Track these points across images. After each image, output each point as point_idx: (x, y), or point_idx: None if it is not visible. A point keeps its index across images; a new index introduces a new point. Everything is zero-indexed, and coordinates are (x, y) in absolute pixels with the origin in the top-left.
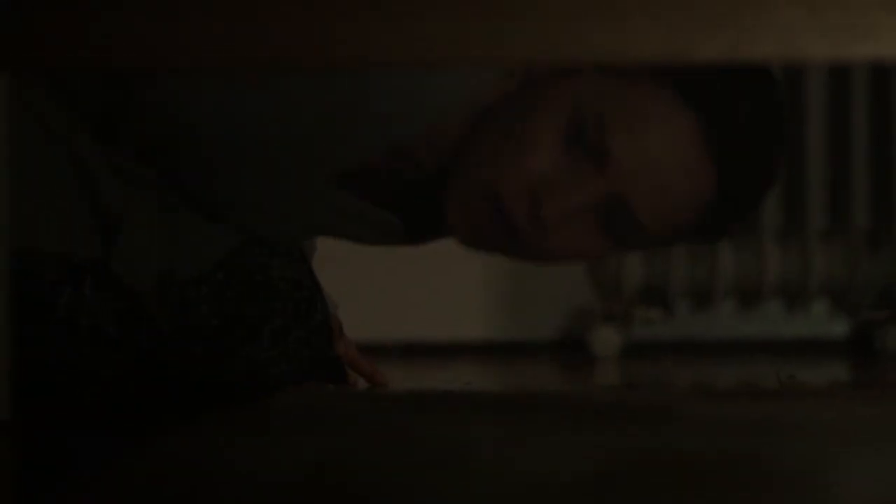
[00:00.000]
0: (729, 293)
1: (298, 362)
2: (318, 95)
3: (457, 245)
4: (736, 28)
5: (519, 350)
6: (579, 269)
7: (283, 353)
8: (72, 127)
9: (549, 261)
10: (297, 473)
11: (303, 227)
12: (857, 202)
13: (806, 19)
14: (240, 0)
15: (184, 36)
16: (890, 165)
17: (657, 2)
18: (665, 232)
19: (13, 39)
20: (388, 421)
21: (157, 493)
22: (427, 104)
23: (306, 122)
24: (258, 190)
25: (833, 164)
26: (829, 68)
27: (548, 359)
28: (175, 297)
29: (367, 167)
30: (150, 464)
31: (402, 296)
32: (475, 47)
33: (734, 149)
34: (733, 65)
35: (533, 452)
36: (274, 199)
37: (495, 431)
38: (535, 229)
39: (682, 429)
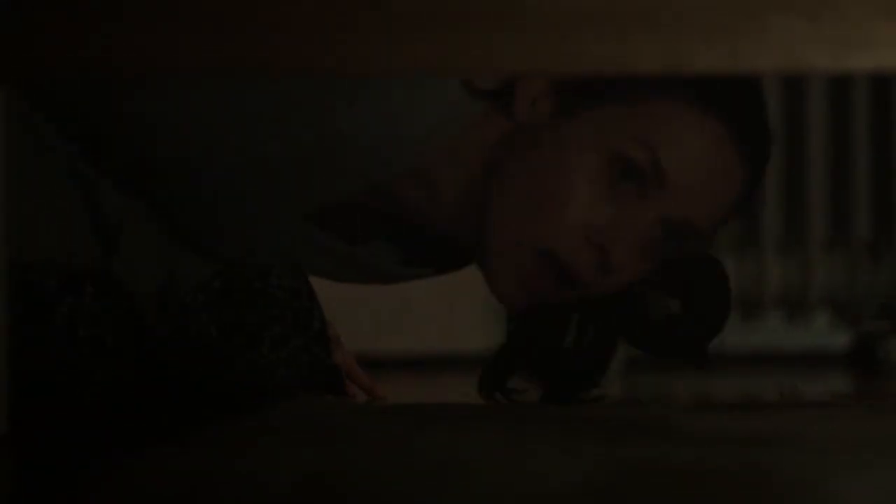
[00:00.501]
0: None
1: (297, 370)
2: (295, 132)
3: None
4: (735, 39)
5: None
6: None
7: (283, 360)
8: (67, 140)
9: (603, 292)
10: (294, 484)
11: (280, 263)
12: (857, 213)
13: (806, 30)
14: (238, 8)
15: (180, 43)
16: (891, 176)
17: (656, 12)
18: (713, 233)
19: (9, 51)
20: (386, 433)
21: (155, 502)
22: (406, 141)
23: (283, 158)
24: (235, 223)
25: (834, 175)
26: (830, 79)
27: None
28: (174, 305)
29: (345, 205)
30: (148, 473)
31: (400, 307)
32: (472, 58)
33: (755, 142)
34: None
35: (531, 465)
36: (251, 233)
37: (493, 444)
38: (603, 277)
39: (682, 442)
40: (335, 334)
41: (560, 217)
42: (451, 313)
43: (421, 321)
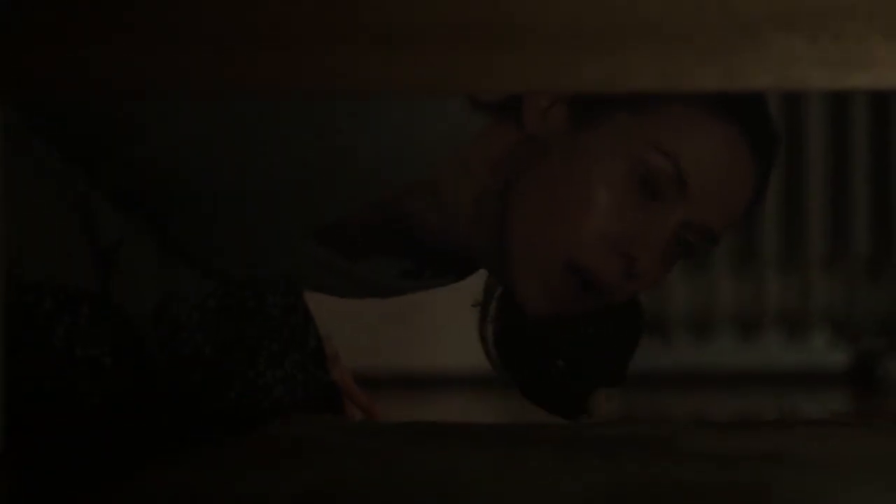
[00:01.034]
0: (728, 322)
1: (294, 388)
2: (296, 149)
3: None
4: (732, 57)
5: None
6: None
7: (279, 378)
8: (65, 160)
9: (624, 299)
10: (287, 502)
11: (280, 279)
12: (856, 230)
13: (804, 48)
14: (235, 27)
15: (178, 63)
16: (889, 193)
17: (652, 30)
18: (726, 234)
19: (5, 69)
20: (384, 452)
21: None
22: (408, 157)
23: (284, 175)
24: (235, 239)
25: (832, 193)
26: (829, 96)
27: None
28: (170, 325)
29: (346, 220)
30: (146, 494)
31: (396, 325)
32: (468, 76)
33: (764, 140)
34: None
35: (529, 484)
36: (250, 249)
37: (492, 462)
38: (630, 285)
39: (682, 460)
40: (333, 351)
41: (583, 226)
42: (446, 331)
43: (417, 338)
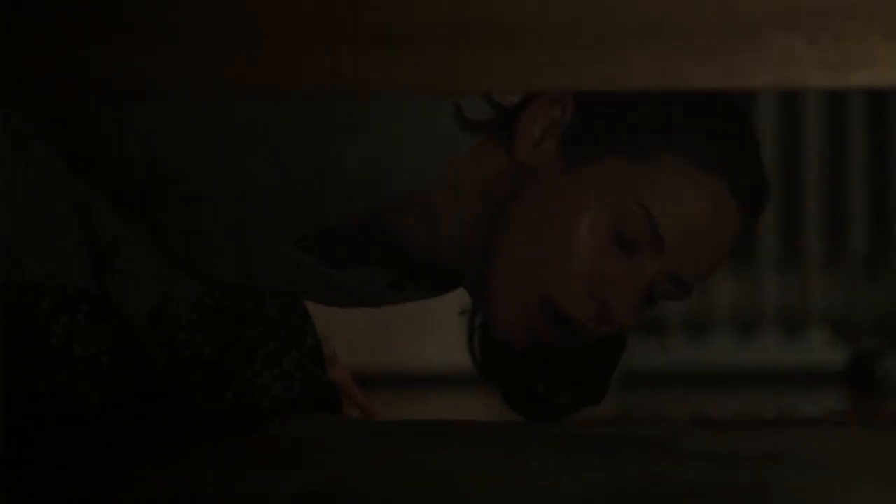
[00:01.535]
0: (727, 322)
1: (292, 387)
2: (289, 157)
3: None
4: (732, 57)
5: None
6: None
7: (277, 377)
8: (62, 160)
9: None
10: (286, 502)
11: (268, 285)
12: (854, 230)
13: (803, 47)
14: (231, 28)
15: (177, 61)
16: (887, 193)
17: (652, 30)
18: (704, 280)
19: (3, 71)
20: (382, 452)
21: None
22: (398, 171)
23: (276, 183)
24: (226, 245)
25: (830, 193)
26: (827, 94)
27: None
28: (169, 324)
29: (335, 229)
30: (145, 495)
31: (394, 324)
32: (467, 76)
33: (754, 194)
34: (726, 96)
35: (528, 483)
36: (240, 255)
37: (490, 463)
38: (604, 327)
39: (681, 459)
40: (331, 351)
41: (561, 268)
42: (442, 329)
43: (414, 337)
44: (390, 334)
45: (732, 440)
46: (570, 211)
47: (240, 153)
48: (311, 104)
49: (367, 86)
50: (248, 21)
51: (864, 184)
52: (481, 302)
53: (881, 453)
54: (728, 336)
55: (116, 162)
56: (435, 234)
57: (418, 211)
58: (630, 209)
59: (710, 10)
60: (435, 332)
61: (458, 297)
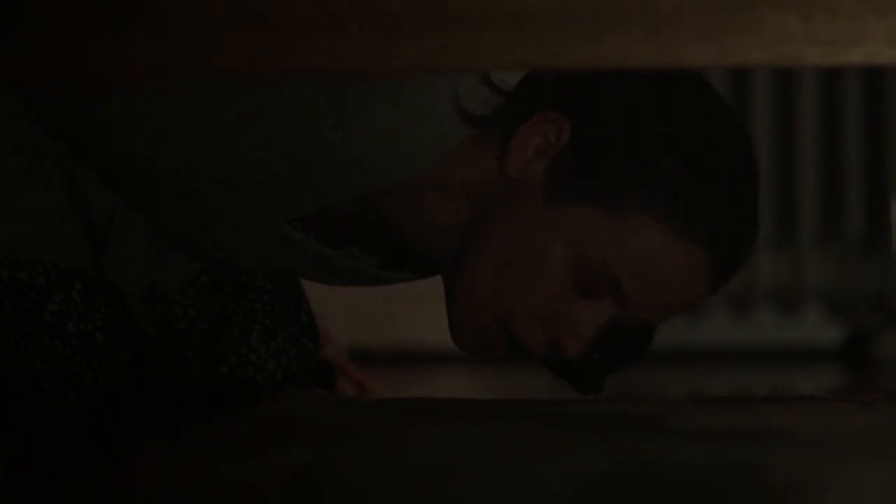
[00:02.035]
0: (721, 299)
1: (286, 363)
2: (283, 140)
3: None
4: (726, 35)
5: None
6: None
7: (272, 352)
8: (55, 139)
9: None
10: (283, 484)
11: (262, 263)
12: (849, 207)
13: (797, 25)
14: (225, 11)
15: (165, 48)
16: (882, 169)
17: (646, 9)
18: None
19: None
20: (376, 429)
21: (141, 501)
22: (393, 156)
23: (270, 165)
24: (220, 224)
25: (825, 169)
26: (822, 74)
27: (537, 368)
28: (163, 301)
29: (329, 211)
30: (133, 473)
31: (390, 301)
32: (461, 55)
33: (733, 263)
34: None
35: (522, 461)
36: (234, 233)
37: (484, 440)
38: (552, 355)
39: (675, 437)
40: (325, 329)
41: (522, 299)
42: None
43: (410, 314)
44: (391, 312)
45: (727, 418)
46: (539, 245)
47: (233, 137)
48: (309, 88)
49: (359, 65)
50: (245, 6)
51: (860, 161)
52: (447, 301)
53: (876, 430)
54: (723, 313)
55: (110, 145)
56: (422, 227)
57: (408, 202)
58: (596, 262)
59: None
60: (435, 310)
61: None
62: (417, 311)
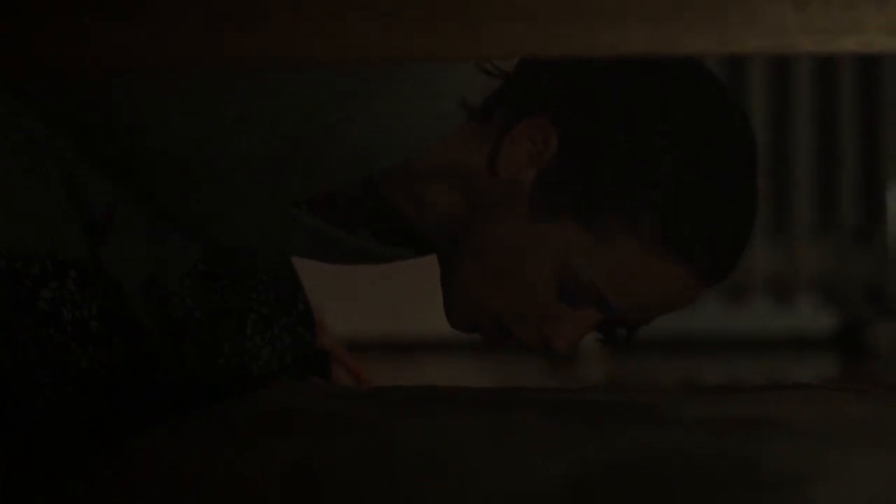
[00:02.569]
0: (716, 289)
1: (282, 352)
2: (286, 126)
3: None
4: (722, 22)
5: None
6: None
7: (267, 341)
8: (53, 129)
9: None
10: (282, 474)
11: (269, 246)
12: (845, 197)
13: (792, 13)
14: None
15: (166, 37)
16: (878, 159)
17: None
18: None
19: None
20: (370, 418)
21: (139, 493)
22: (395, 141)
23: (276, 147)
24: (224, 207)
25: (821, 159)
26: (817, 63)
27: (532, 356)
28: (160, 290)
29: (334, 194)
30: (131, 464)
31: (386, 290)
32: (460, 44)
33: (717, 276)
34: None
35: (519, 452)
36: (239, 216)
37: (478, 430)
38: (546, 350)
39: (670, 427)
40: (321, 319)
41: (510, 299)
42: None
43: (405, 302)
44: (385, 299)
45: (724, 408)
46: (528, 256)
47: (236, 121)
48: (313, 73)
49: (358, 54)
50: None
51: (855, 151)
52: (443, 286)
53: (873, 420)
54: (718, 303)
55: (113, 134)
56: (422, 213)
57: (408, 187)
58: (581, 279)
59: None
60: (430, 300)
61: None
62: (412, 301)
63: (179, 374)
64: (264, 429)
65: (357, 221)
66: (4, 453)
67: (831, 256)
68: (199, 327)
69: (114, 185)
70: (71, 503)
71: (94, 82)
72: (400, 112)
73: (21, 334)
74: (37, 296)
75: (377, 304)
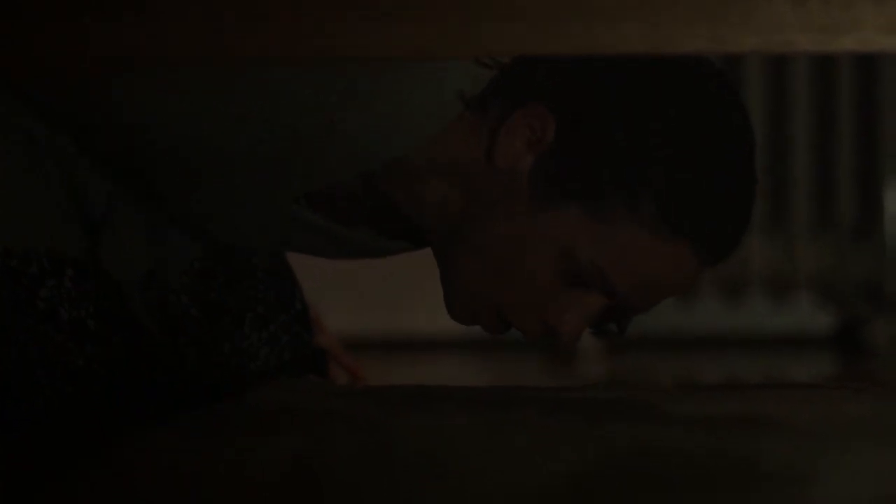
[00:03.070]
0: (714, 286)
1: (279, 350)
2: (290, 121)
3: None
4: (720, 21)
5: (502, 345)
6: None
7: (264, 340)
8: (51, 127)
9: None
10: (282, 473)
11: (267, 241)
12: (842, 194)
13: (789, 11)
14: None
15: (166, 36)
16: (875, 156)
17: None
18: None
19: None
20: (368, 417)
21: (139, 492)
22: (394, 136)
23: (276, 146)
24: (223, 201)
25: (818, 156)
26: (815, 61)
27: (531, 354)
28: (157, 288)
29: (334, 189)
30: (131, 463)
31: (383, 289)
32: (459, 42)
33: (720, 252)
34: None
35: (514, 449)
36: (238, 211)
37: (476, 428)
38: (548, 339)
39: (668, 426)
40: (317, 317)
41: (512, 289)
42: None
43: (404, 303)
44: (382, 298)
45: (722, 406)
46: (528, 245)
47: (235, 117)
48: (312, 72)
49: (357, 51)
50: None
51: (853, 148)
52: (442, 279)
53: (871, 418)
54: (716, 300)
55: (113, 132)
56: (420, 207)
57: (406, 181)
58: (583, 262)
59: None
60: (428, 298)
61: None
62: (410, 299)
63: (179, 374)
64: (264, 428)
65: (357, 220)
66: (4, 453)
67: (829, 254)
68: (197, 326)
69: (113, 184)
70: (71, 503)
71: (94, 82)
72: (399, 106)
73: (21, 334)
74: (36, 295)
75: (375, 301)
